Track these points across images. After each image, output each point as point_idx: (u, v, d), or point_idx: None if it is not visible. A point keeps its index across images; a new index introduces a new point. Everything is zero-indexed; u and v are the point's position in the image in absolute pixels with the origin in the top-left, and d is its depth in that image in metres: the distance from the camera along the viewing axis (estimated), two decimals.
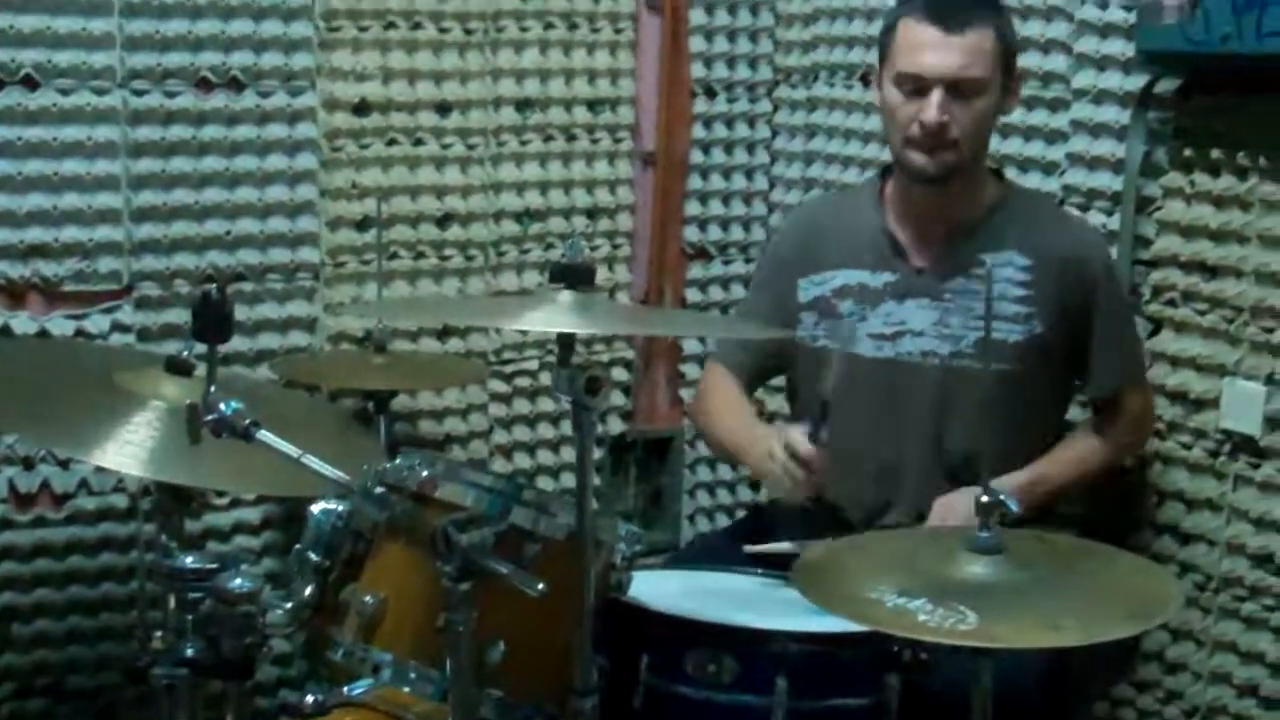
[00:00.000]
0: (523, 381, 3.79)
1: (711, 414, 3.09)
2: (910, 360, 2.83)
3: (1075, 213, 3.12)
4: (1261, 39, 2.64)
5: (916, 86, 2.71)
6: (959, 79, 2.69)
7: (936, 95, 2.69)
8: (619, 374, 3.95)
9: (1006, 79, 2.78)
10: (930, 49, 2.70)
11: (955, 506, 2.66)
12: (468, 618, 2.01)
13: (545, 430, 3.84)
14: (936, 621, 1.94)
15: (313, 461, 2.21)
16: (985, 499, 2.09)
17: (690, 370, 4.03)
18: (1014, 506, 2.33)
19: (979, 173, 2.86)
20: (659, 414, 4.06)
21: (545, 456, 3.85)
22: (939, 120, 2.69)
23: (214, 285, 2.29)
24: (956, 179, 2.78)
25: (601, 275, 3.84)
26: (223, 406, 2.22)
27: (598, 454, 3.91)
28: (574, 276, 2.15)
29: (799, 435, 2.65)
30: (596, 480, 3.89)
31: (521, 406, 3.80)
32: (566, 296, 2.15)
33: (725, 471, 4.11)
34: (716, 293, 4.06)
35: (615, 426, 3.96)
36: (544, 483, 3.82)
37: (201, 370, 2.32)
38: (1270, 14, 2.62)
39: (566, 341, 2.10)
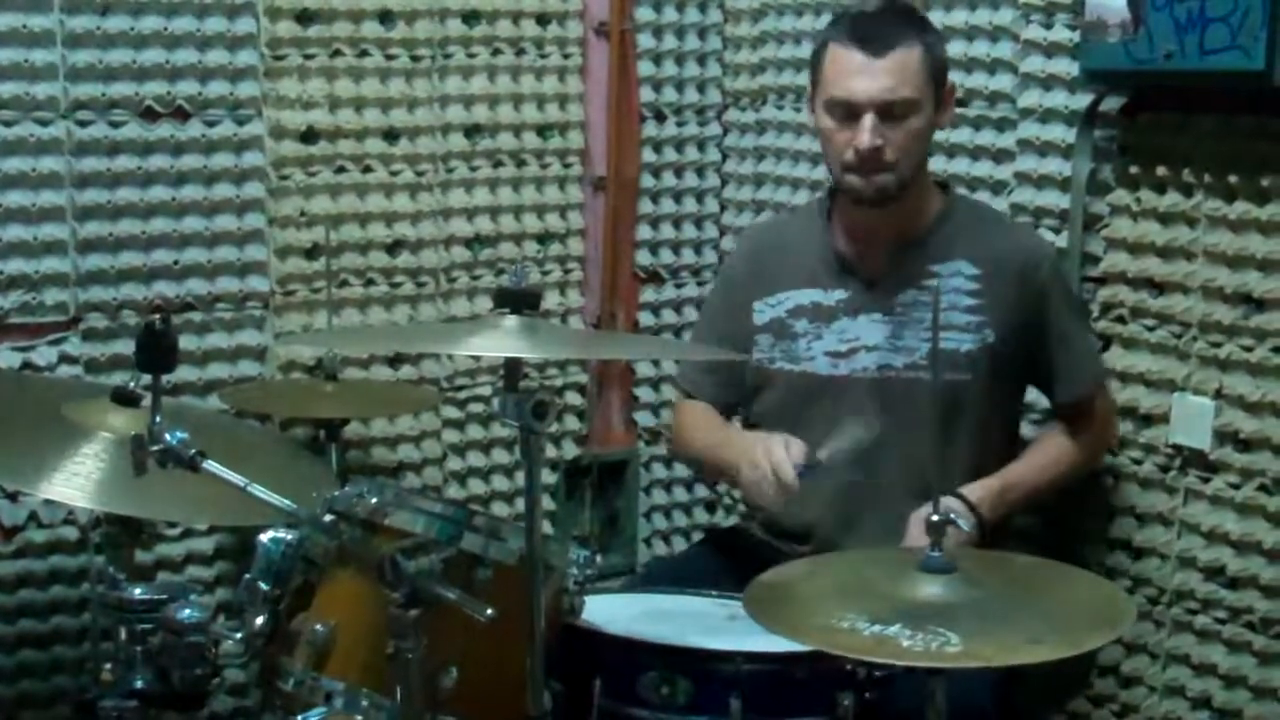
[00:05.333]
0: (476, 407, 3.77)
1: (693, 439, 3.06)
2: (865, 376, 2.82)
3: (1021, 219, 3.13)
4: (1204, 56, 2.66)
5: (848, 112, 2.71)
6: (889, 101, 2.68)
7: (868, 120, 2.68)
8: (573, 398, 3.94)
9: (938, 93, 2.76)
10: (857, 74, 2.69)
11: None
12: (417, 645, 2.00)
13: (500, 455, 3.82)
14: (922, 646, 1.93)
15: (259, 491, 2.20)
16: (935, 518, 2.10)
17: (644, 394, 4.03)
18: (964, 525, 2.34)
19: (922, 187, 2.85)
20: (614, 438, 4.06)
21: (499, 482, 3.83)
22: (873, 145, 2.68)
23: (157, 316, 2.26)
24: (899, 196, 2.77)
25: (553, 300, 3.84)
26: (168, 437, 2.20)
27: (553, 479, 3.91)
28: (519, 301, 2.15)
29: (784, 452, 2.61)
30: (551, 505, 3.89)
31: (475, 432, 3.78)
32: (512, 321, 2.15)
33: (681, 494, 4.11)
34: (669, 316, 4.05)
35: (570, 451, 3.95)
36: (499, 508, 3.80)
37: (148, 401, 2.30)
38: (1212, 32, 2.64)
39: (513, 366, 2.09)
